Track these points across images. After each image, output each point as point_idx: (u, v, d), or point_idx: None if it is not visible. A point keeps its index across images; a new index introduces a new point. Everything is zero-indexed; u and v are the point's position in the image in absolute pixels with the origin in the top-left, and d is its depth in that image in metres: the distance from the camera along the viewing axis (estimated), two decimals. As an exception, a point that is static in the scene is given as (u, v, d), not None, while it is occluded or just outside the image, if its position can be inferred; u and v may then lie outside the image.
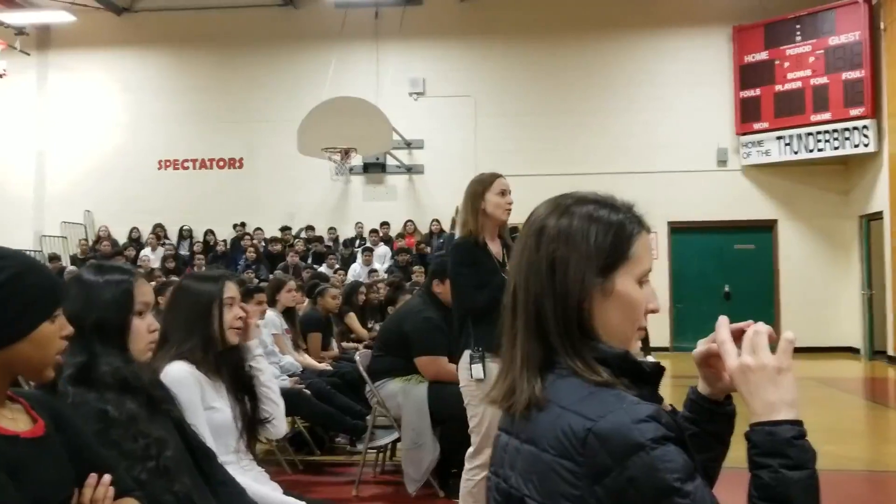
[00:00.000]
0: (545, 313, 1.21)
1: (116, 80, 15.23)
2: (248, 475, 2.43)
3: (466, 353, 3.46)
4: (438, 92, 14.44)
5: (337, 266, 12.34)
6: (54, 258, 13.03)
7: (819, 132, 12.70)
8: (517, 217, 2.46)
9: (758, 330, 1.18)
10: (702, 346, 1.31)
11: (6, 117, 15.35)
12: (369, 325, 8.01)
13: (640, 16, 14.01)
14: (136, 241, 14.41)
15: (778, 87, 13.13)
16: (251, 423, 2.47)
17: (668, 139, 13.78)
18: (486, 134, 14.19)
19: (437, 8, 14.52)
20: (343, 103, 12.11)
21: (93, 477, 1.49)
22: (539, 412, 1.18)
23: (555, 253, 1.22)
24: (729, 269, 13.78)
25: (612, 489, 1.07)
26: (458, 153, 14.10)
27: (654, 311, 1.27)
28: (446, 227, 13.79)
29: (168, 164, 15.13)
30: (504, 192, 3.54)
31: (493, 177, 3.60)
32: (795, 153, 12.99)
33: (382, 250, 13.46)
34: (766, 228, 13.78)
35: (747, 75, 13.50)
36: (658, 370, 1.24)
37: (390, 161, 14.34)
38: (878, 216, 12.30)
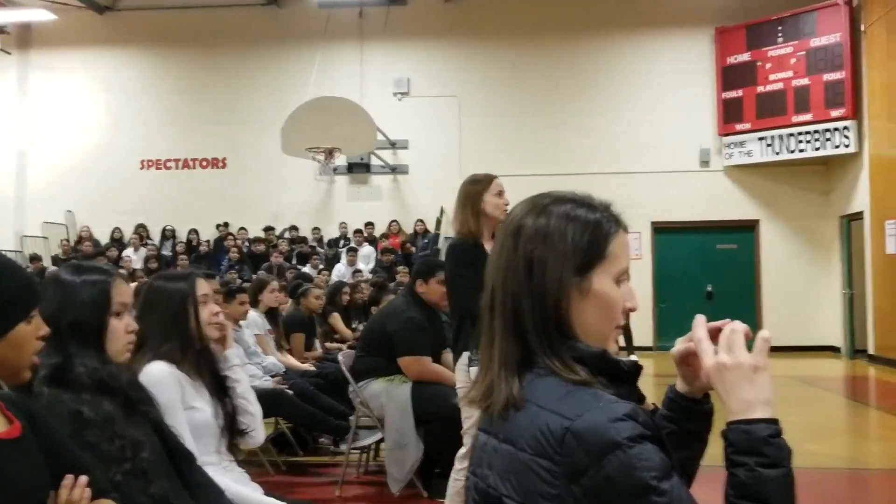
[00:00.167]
0: (523, 313, 1.21)
1: (99, 79, 15.12)
2: (229, 476, 2.41)
3: (465, 355, 3.44)
4: (423, 92, 14.44)
5: (321, 266, 12.31)
6: (35, 258, 12.93)
7: (800, 133, 12.81)
8: (499, 217, 2.46)
9: (734, 329, 1.19)
10: (680, 344, 1.32)
11: (-14, 116, 15.21)
12: (353, 326, 7.99)
13: (623, 17, 14.07)
14: (118, 242, 14.31)
15: (760, 89, 13.23)
16: (232, 423, 2.46)
17: (651, 139, 13.85)
18: (471, 134, 14.20)
19: (422, 8, 14.52)
20: (327, 103, 12.08)
21: (69, 478, 1.48)
22: (517, 412, 1.17)
23: (532, 252, 1.22)
24: (711, 269, 13.87)
25: (589, 488, 1.07)
26: (443, 153, 14.11)
27: (631, 310, 1.27)
28: (431, 227, 13.79)
29: (151, 164, 15.04)
30: (501, 193, 3.55)
31: (490, 177, 3.60)
32: (777, 154, 13.10)
33: (367, 250, 13.44)
34: (748, 228, 13.88)
35: (730, 76, 13.59)
36: (635, 369, 1.25)
37: (375, 161, 14.32)
38: (858, 216, 12.41)
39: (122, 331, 1.88)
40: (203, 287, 2.44)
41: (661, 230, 13.91)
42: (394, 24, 14.45)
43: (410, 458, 4.39)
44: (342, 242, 13.94)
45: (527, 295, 1.21)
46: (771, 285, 13.72)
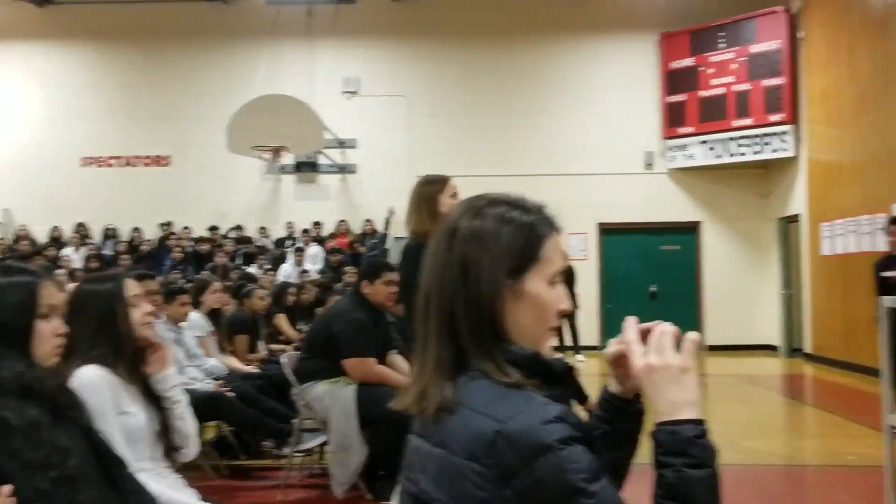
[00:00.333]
0: (457, 315, 1.20)
1: (37, 73, 14.68)
2: (164, 482, 2.36)
3: None
4: (372, 91, 14.38)
5: (267, 266, 12.17)
6: (-32, 258, 12.50)
7: (741, 137, 13.11)
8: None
9: (664, 330, 1.20)
10: (613, 345, 1.33)
11: (-83, 110, 14.64)
12: (298, 327, 7.91)
13: (571, 20, 14.22)
14: (57, 241, 13.92)
15: (702, 93, 13.50)
16: (167, 428, 2.41)
17: (598, 142, 14.03)
18: (420, 134, 14.19)
19: (371, 7, 14.45)
20: (274, 101, 11.95)
21: (-9, 487, 1.43)
22: (450, 415, 1.17)
23: (467, 254, 1.22)
24: (655, 270, 14.11)
25: (519, 490, 1.08)
26: (392, 153, 14.07)
27: (565, 313, 1.28)
28: (380, 227, 13.74)
29: (91, 161, 14.66)
30: (455, 195, 3.55)
31: (445, 178, 3.61)
32: (718, 157, 13.39)
33: (314, 250, 13.33)
34: (690, 230, 14.16)
35: (673, 81, 13.84)
36: (567, 370, 1.25)
37: (323, 160, 14.20)
38: (795, 219, 12.76)
39: (49, 334, 1.82)
40: (133, 288, 2.38)
41: (608, 231, 14.10)
42: (342, 22, 14.36)
43: (354, 460, 4.37)
44: (289, 242, 13.79)
45: (461, 297, 1.21)
46: (712, 285, 14.02)
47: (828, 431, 7.18)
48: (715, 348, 13.49)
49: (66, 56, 14.74)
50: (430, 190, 3.55)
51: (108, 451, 1.90)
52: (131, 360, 2.34)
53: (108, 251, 13.65)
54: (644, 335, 1.23)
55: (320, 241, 13.73)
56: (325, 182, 14.51)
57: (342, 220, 14.07)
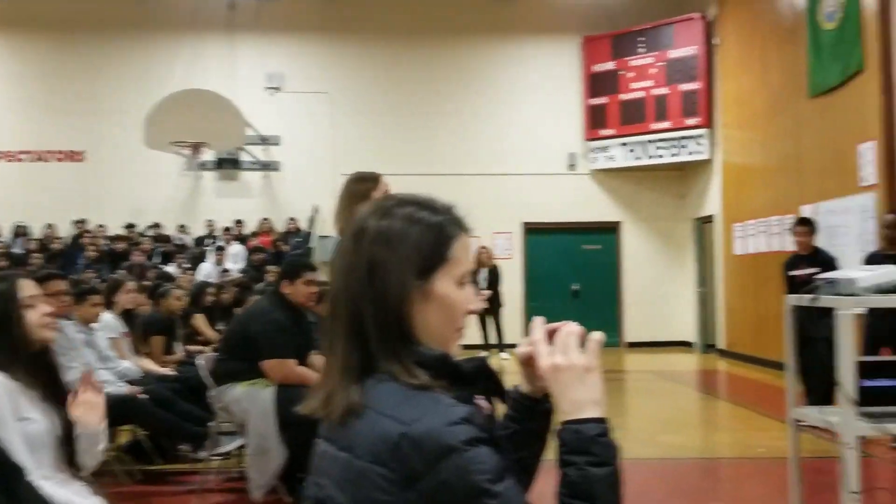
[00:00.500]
0: (364, 317, 1.19)
1: (-62, 62, 13.97)
2: (67, 489, 2.27)
3: None
4: (296, 88, 14.18)
5: (186, 266, 11.87)
6: None
7: (659, 140, 13.47)
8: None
9: (570, 330, 1.21)
10: (523, 346, 1.34)
11: None
12: (217, 327, 7.74)
13: (496, 22, 14.33)
14: (-39, 239, 13.28)
15: (622, 96, 13.81)
16: (69, 433, 2.31)
17: (522, 143, 14.19)
18: (344, 132, 14.07)
19: (295, 2, 14.26)
20: (194, 96, 11.66)
21: None
22: (357, 419, 1.16)
23: (374, 255, 1.20)
24: (577, 269, 14.37)
25: (424, 493, 1.07)
26: (316, 150, 13.92)
27: (473, 313, 1.28)
28: (303, 225, 13.58)
29: (1, 155, 14.03)
30: (387, 193, 3.51)
31: (377, 176, 3.52)
32: (638, 159, 13.72)
33: (236, 249, 13.06)
34: (611, 230, 14.47)
35: (595, 84, 14.12)
36: (478, 370, 1.25)
37: (245, 157, 13.94)
38: (709, 219, 13.20)
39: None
40: (28, 288, 2.28)
41: (532, 231, 14.28)
42: (266, 17, 14.12)
43: (273, 462, 4.30)
44: (209, 241, 13.48)
45: (368, 298, 1.19)
46: (631, 284, 14.36)
47: (739, 425, 7.44)
48: (634, 345, 13.83)
49: (-29, 45, 14.06)
50: (361, 188, 3.47)
51: (4, 460, 1.82)
52: (30, 363, 2.24)
53: (17, 249, 13.08)
54: (551, 335, 1.24)
55: (242, 239, 13.47)
56: (248, 179, 14.25)
57: (265, 219, 13.84)
